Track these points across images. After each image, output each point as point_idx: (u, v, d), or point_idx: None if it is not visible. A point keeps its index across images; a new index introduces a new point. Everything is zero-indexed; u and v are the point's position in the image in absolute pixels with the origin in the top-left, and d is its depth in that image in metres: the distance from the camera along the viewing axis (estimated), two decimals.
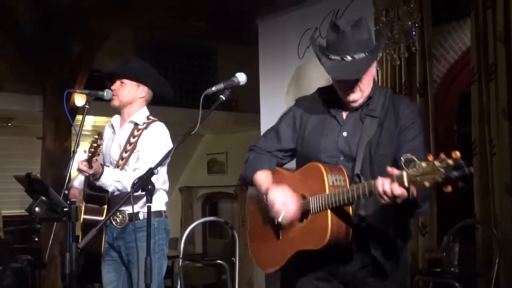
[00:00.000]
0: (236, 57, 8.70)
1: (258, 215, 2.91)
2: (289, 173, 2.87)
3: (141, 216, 3.75)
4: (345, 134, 2.75)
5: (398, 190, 2.29)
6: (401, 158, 2.26)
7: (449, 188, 2.14)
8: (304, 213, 2.66)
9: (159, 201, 3.87)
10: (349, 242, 2.62)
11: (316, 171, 2.65)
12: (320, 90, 2.96)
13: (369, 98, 2.76)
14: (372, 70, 2.76)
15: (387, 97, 2.77)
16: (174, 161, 3.64)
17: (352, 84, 2.69)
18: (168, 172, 4.00)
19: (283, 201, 2.64)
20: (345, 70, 2.64)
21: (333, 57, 2.68)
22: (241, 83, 2.73)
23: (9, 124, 8.96)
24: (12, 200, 8.62)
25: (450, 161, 2.10)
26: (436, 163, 2.13)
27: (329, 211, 2.54)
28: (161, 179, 3.84)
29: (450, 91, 6.53)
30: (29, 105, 8.11)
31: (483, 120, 5.30)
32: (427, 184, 2.16)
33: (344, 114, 2.80)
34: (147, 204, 2.57)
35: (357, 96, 2.72)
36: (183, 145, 2.75)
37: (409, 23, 5.39)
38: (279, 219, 2.64)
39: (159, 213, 3.86)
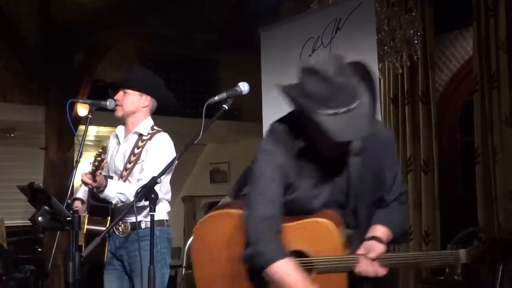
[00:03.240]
0: (238, 67, 8.70)
1: (215, 267, 2.68)
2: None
3: (143, 225, 3.75)
4: (331, 185, 2.48)
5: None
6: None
7: None
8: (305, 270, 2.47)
9: (161, 211, 3.87)
10: None
11: (323, 230, 2.45)
12: (289, 126, 2.50)
13: None
14: None
15: None
16: (177, 170, 3.65)
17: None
18: (171, 182, 3.99)
19: None
20: (350, 126, 2.23)
21: (340, 109, 2.24)
22: (243, 93, 2.69)
23: (12, 135, 8.96)
24: (16, 211, 8.63)
25: None
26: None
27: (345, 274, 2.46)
28: (163, 189, 3.84)
29: (453, 99, 6.53)
30: (32, 116, 8.10)
31: (485, 128, 5.29)
32: None
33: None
34: (150, 213, 2.56)
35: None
36: (185, 154, 2.73)
37: (411, 31, 5.40)
38: None
39: (161, 222, 3.86)
